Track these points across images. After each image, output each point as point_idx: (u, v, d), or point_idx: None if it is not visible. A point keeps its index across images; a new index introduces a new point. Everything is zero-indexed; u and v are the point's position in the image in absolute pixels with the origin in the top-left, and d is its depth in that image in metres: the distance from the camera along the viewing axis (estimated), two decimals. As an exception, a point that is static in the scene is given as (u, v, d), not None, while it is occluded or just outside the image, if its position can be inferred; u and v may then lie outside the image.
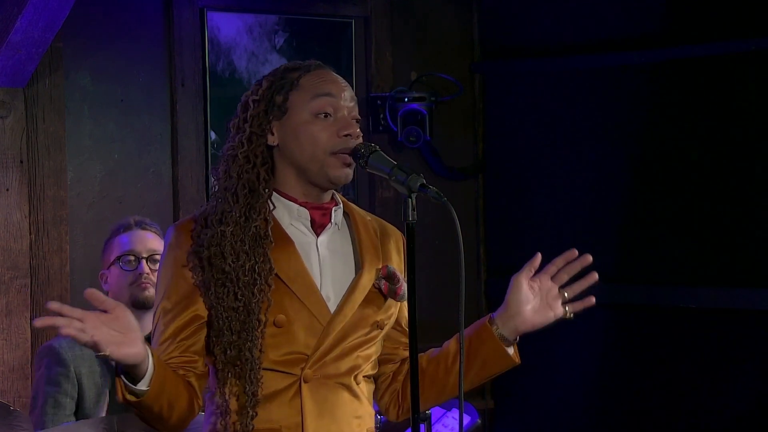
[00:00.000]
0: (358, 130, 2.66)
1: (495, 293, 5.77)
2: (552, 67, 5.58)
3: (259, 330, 2.58)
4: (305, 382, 2.61)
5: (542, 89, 5.63)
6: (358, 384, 2.67)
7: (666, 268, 5.29)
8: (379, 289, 2.68)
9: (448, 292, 5.17)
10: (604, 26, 5.44)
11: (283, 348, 2.61)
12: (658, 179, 5.30)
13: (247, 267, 2.59)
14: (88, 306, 2.46)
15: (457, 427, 3.39)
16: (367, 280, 2.67)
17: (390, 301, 2.71)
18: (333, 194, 2.73)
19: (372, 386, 2.76)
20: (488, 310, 5.78)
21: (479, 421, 4.81)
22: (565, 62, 5.53)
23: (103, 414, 3.88)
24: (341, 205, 2.73)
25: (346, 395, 2.65)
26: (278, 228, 2.66)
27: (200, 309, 2.62)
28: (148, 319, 4.05)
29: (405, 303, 2.73)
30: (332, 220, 2.69)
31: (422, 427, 3.76)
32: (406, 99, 5.46)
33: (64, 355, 3.92)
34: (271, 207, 2.66)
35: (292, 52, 5.25)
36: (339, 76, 2.71)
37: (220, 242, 2.60)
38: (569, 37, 5.53)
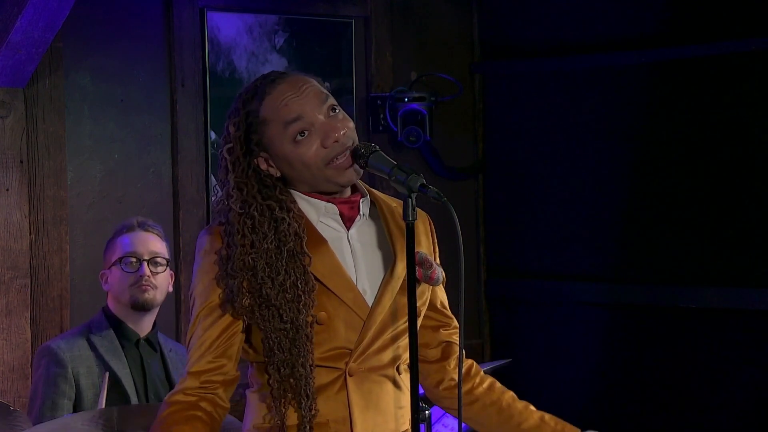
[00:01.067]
0: (339, 127, 2.61)
1: (495, 293, 5.77)
2: (552, 67, 5.58)
3: (309, 345, 2.59)
4: (350, 375, 2.63)
5: (542, 89, 5.63)
6: (400, 374, 2.68)
7: (666, 268, 5.29)
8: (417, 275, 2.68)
9: (448, 292, 5.17)
10: (604, 26, 5.45)
11: (326, 344, 2.62)
12: (658, 179, 5.30)
13: (288, 285, 2.58)
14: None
15: (456, 427, 3.39)
16: (401, 268, 2.66)
17: (423, 286, 2.71)
18: (357, 185, 2.72)
19: (407, 374, 2.75)
20: (488, 310, 5.78)
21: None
22: (565, 62, 5.53)
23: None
24: (368, 196, 2.73)
25: (390, 386, 2.67)
26: (310, 229, 2.65)
27: (236, 313, 2.63)
28: (148, 320, 4.07)
29: (440, 286, 2.78)
30: (360, 212, 2.69)
31: (422, 427, 3.76)
32: (406, 99, 5.46)
33: (62, 355, 3.92)
34: (302, 220, 2.64)
35: (292, 52, 5.25)
36: (295, 78, 2.64)
37: (253, 273, 2.58)
38: (569, 37, 5.53)
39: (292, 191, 2.67)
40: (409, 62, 5.61)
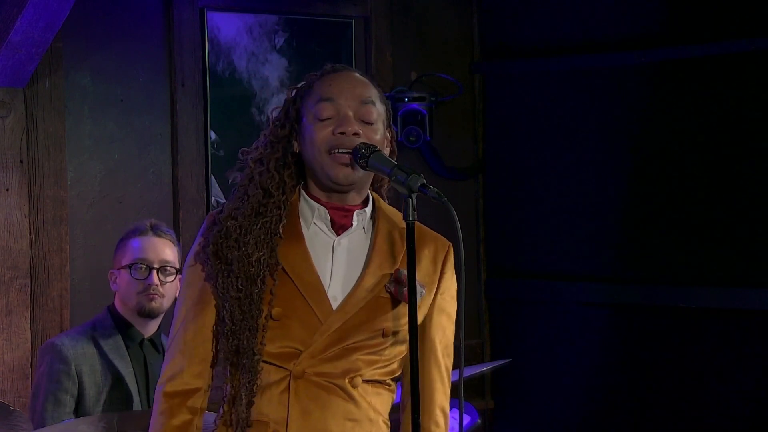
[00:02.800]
0: (357, 128, 2.64)
1: (495, 293, 5.77)
2: (552, 67, 5.58)
3: (258, 320, 2.60)
4: (295, 378, 2.62)
5: (542, 89, 5.63)
6: (355, 387, 2.65)
7: (666, 268, 5.29)
8: (390, 293, 2.67)
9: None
10: (604, 26, 5.44)
11: (278, 341, 2.62)
12: (657, 179, 5.30)
13: (253, 258, 2.62)
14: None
15: (457, 427, 3.39)
16: (371, 282, 2.66)
17: (403, 309, 2.68)
18: (368, 197, 2.73)
19: (388, 392, 2.73)
20: (488, 310, 5.78)
21: (479, 421, 4.81)
22: (565, 62, 5.53)
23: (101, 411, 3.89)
24: (368, 209, 2.72)
25: (339, 396, 2.64)
26: (292, 226, 2.68)
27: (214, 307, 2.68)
28: (153, 323, 4.07)
29: (435, 316, 2.73)
30: (354, 223, 2.69)
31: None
32: (406, 99, 5.46)
33: (65, 352, 3.92)
34: (287, 207, 2.68)
35: (292, 52, 5.25)
36: (355, 76, 2.71)
37: (226, 235, 2.65)
38: (569, 37, 5.53)
39: (301, 189, 2.71)
40: (409, 62, 5.61)
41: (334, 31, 5.39)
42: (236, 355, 2.62)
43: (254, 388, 2.61)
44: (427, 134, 5.48)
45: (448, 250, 2.77)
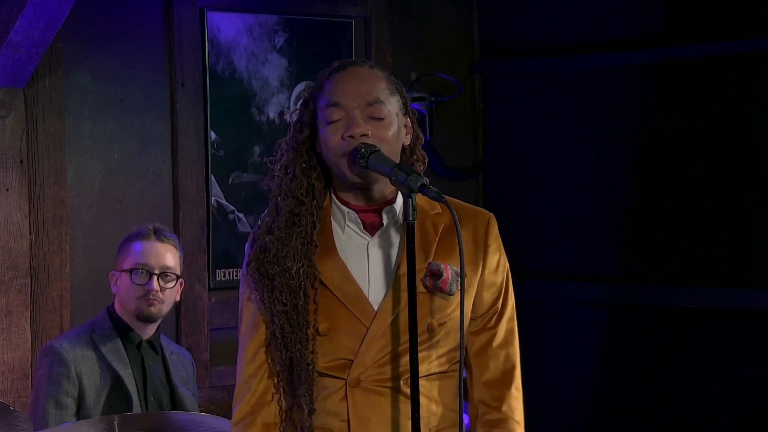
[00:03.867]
0: (364, 129, 2.63)
1: (495, 293, 5.76)
2: (552, 67, 5.58)
3: (307, 331, 2.62)
4: (352, 386, 2.63)
5: (542, 89, 5.63)
6: (410, 386, 2.62)
7: (666, 268, 5.29)
8: (426, 287, 2.66)
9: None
10: (605, 26, 5.44)
11: (329, 355, 2.64)
12: (657, 179, 5.30)
13: (293, 271, 2.63)
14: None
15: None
16: (405, 281, 2.63)
17: (444, 299, 2.67)
18: (396, 193, 2.70)
19: (448, 380, 2.71)
20: (488, 310, 5.78)
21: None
22: (565, 62, 5.53)
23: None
24: (396, 205, 2.70)
25: (396, 399, 2.64)
26: (326, 233, 2.69)
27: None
28: (152, 326, 4.08)
29: (485, 293, 2.74)
30: (384, 221, 2.69)
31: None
32: (406, 99, 5.46)
33: (65, 355, 3.92)
34: (320, 212, 2.69)
35: (292, 52, 5.25)
36: (362, 72, 2.70)
37: (265, 251, 2.67)
38: (569, 37, 5.53)
39: (331, 194, 2.71)
40: (409, 62, 5.61)
41: (334, 31, 5.39)
42: (290, 367, 2.64)
43: (313, 396, 2.63)
44: (427, 134, 5.48)
45: (488, 223, 2.75)
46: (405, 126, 2.72)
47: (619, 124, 5.40)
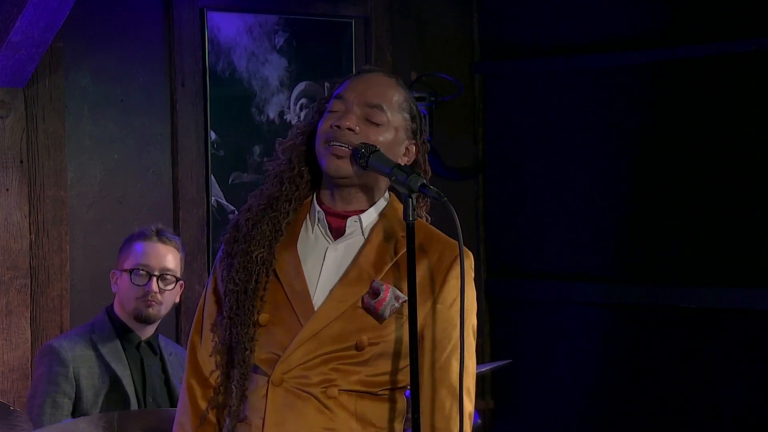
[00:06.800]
0: (353, 124, 2.62)
1: (495, 293, 5.77)
2: (552, 67, 5.58)
3: (251, 317, 2.62)
4: (274, 384, 2.60)
5: (542, 89, 5.63)
6: (330, 397, 2.59)
7: (666, 268, 5.29)
8: (362, 303, 2.61)
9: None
10: (604, 26, 5.44)
11: (265, 347, 2.63)
12: (657, 179, 5.30)
13: (254, 255, 2.65)
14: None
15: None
16: (343, 293, 2.62)
17: (386, 321, 2.60)
18: (375, 204, 2.68)
19: (383, 402, 2.65)
20: (488, 310, 5.78)
21: (479, 421, 4.81)
22: (565, 62, 5.53)
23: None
24: (365, 215, 2.67)
25: (313, 406, 2.59)
26: (295, 228, 2.69)
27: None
28: (150, 327, 4.08)
29: (436, 328, 2.64)
30: (347, 230, 2.67)
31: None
32: (406, 99, 5.45)
33: (64, 355, 3.93)
34: (299, 204, 2.70)
35: (292, 52, 5.25)
36: (376, 79, 2.69)
37: (238, 229, 2.70)
38: (569, 37, 5.53)
39: (314, 192, 2.71)
40: (409, 62, 5.61)
41: (334, 31, 5.39)
42: (230, 350, 2.65)
43: (246, 382, 2.62)
44: (427, 134, 5.47)
45: (455, 260, 2.63)
46: (407, 148, 2.70)
47: (619, 124, 5.40)
